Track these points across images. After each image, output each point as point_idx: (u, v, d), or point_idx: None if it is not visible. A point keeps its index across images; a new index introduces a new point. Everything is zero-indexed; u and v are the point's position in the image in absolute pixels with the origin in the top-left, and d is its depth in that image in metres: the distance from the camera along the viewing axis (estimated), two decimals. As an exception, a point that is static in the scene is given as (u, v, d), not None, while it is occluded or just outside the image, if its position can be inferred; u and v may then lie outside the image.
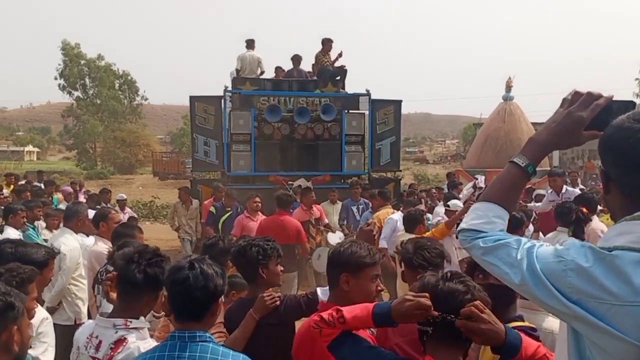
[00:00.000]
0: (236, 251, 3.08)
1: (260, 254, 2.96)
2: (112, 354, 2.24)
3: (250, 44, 11.93)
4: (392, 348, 2.32)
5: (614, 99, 1.50)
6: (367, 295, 2.36)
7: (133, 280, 2.35)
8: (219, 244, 3.61)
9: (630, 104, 1.48)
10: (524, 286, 1.37)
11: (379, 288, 2.42)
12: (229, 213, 8.61)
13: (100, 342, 2.30)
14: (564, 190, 8.00)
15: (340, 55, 11.79)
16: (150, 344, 2.29)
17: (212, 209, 8.81)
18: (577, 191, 8.04)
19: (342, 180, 11.32)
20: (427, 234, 5.78)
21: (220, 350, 2.04)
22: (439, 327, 1.80)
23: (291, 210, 8.83)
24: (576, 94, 1.52)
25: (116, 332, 2.30)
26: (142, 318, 2.44)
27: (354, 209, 9.22)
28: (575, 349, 1.37)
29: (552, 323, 2.91)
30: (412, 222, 5.97)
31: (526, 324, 2.35)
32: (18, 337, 1.75)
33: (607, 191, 1.44)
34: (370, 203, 8.86)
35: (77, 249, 5.09)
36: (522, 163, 1.54)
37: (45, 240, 6.56)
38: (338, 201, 9.54)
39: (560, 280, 1.31)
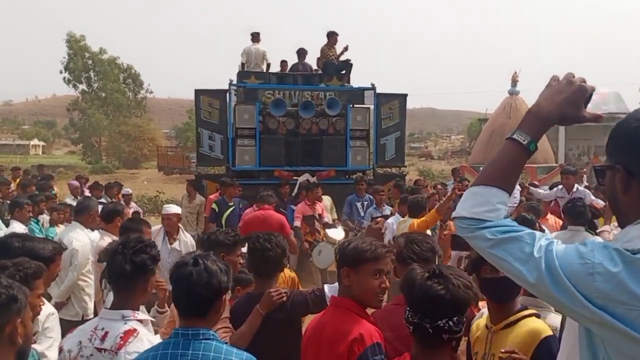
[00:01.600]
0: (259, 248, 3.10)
1: (284, 254, 3.02)
2: (122, 343, 2.24)
3: (255, 37, 11.90)
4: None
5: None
6: (367, 291, 2.36)
7: (122, 272, 2.35)
8: (204, 237, 3.63)
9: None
10: (539, 286, 1.27)
11: (383, 285, 2.38)
12: (231, 208, 8.60)
13: (106, 333, 2.29)
14: (575, 189, 7.86)
15: (345, 49, 11.74)
16: (157, 339, 2.29)
17: (214, 206, 8.79)
18: (588, 192, 7.89)
19: (347, 176, 11.30)
20: (420, 220, 5.68)
21: (223, 348, 2.04)
22: (417, 329, 1.80)
23: (293, 207, 8.82)
24: (569, 74, 1.44)
25: (125, 323, 2.30)
26: (142, 308, 2.45)
27: (358, 204, 9.16)
28: (588, 351, 1.32)
29: (555, 319, 2.88)
30: (417, 208, 5.89)
31: (533, 311, 2.33)
32: (22, 330, 1.75)
33: (624, 190, 1.34)
34: (374, 199, 8.83)
35: (88, 244, 5.08)
36: (524, 140, 1.40)
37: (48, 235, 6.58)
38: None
39: (585, 284, 1.22)
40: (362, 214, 8.92)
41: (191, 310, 2.06)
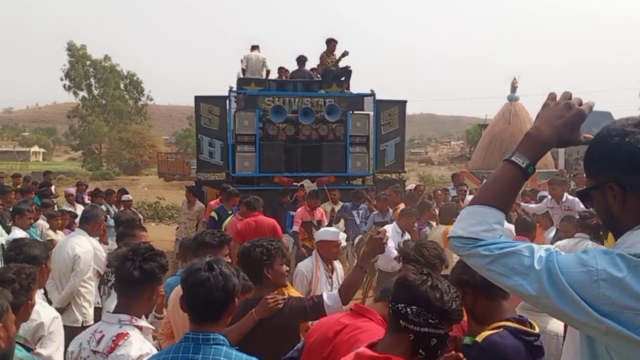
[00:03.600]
0: (240, 253, 3.10)
1: (264, 254, 2.97)
2: (112, 346, 2.26)
3: (254, 47, 11.97)
4: None
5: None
6: None
7: (130, 278, 2.37)
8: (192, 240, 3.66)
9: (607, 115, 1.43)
10: (542, 298, 1.25)
11: None
12: (231, 216, 8.62)
13: (102, 336, 2.32)
14: (564, 199, 7.87)
15: (344, 54, 11.73)
16: (146, 346, 2.31)
17: (213, 214, 8.81)
18: (577, 200, 7.72)
19: (347, 182, 11.32)
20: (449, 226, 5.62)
21: (233, 353, 2.04)
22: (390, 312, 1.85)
23: (292, 213, 8.86)
24: (567, 93, 1.44)
25: (120, 327, 2.32)
26: (144, 318, 2.46)
27: (354, 213, 9.21)
28: (590, 358, 1.31)
29: (556, 325, 2.88)
30: (449, 214, 5.89)
31: (517, 326, 2.12)
32: (4, 334, 1.76)
33: (622, 204, 1.33)
34: (377, 206, 8.86)
35: (91, 251, 5.13)
36: (523, 163, 1.41)
37: (51, 241, 6.60)
38: (340, 202, 9.56)
39: (591, 292, 1.20)
40: (357, 222, 8.98)
41: (205, 315, 2.07)
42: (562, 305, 1.23)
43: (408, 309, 1.77)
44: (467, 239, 1.38)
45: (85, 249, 5.06)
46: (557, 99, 1.45)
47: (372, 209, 8.90)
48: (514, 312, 2.23)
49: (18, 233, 5.81)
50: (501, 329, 2.04)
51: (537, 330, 2.19)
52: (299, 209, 8.77)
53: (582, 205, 7.35)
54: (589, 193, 1.40)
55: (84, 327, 4.66)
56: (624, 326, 1.18)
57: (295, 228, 8.53)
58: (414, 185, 12.37)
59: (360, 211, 9.19)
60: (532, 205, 8.59)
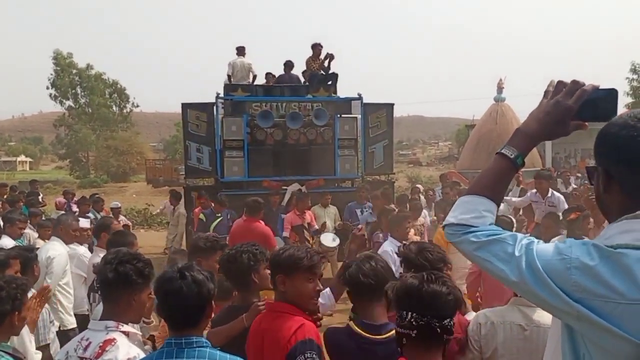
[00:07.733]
0: (225, 260, 3.09)
1: (251, 259, 3.00)
2: (99, 352, 2.25)
3: (241, 51, 11.95)
4: None
5: (599, 87, 1.45)
6: (303, 295, 2.47)
7: (105, 279, 2.38)
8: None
9: (613, 92, 1.44)
10: (521, 284, 1.33)
11: (318, 288, 2.52)
12: (219, 219, 8.62)
13: (89, 343, 2.32)
14: (549, 194, 7.76)
15: (327, 57, 11.71)
16: (133, 350, 2.31)
17: (201, 216, 8.81)
18: (562, 198, 7.80)
19: (336, 184, 11.36)
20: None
21: (217, 354, 2.06)
22: (422, 330, 1.80)
23: (283, 215, 8.89)
24: (560, 83, 1.48)
25: (107, 333, 2.32)
26: (132, 324, 2.46)
27: (358, 211, 9.24)
28: (570, 349, 1.35)
29: (546, 318, 2.90)
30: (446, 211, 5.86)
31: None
32: None
33: (605, 190, 1.41)
34: (372, 205, 8.90)
35: (64, 254, 5.16)
36: (511, 155, 1.49)
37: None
38: (330, 205, 9.60)
39: (564, 279, 1.27)
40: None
41: (184, 322, 2.07)
42: (538, 290, 1.30)
43: (452, 322, 1.83)
44: (458, 225, 1.47)
45: (58, 252, 5.11)
46: (555, 89, 1.50)
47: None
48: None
49: (7, 242, 5.77)
50: None
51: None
52: (289, 214, 8.79)
53: (566, 205, 7.39)
54: (592, 171, 1.47)
55: (61, 331, 4.72)
56: (595, 313, 1.23)
57: (286, 233, 8.54)
58: (416, 186, 12.51)
59: (365, 210, 9.19)
60: (515, 199, 8.42)
